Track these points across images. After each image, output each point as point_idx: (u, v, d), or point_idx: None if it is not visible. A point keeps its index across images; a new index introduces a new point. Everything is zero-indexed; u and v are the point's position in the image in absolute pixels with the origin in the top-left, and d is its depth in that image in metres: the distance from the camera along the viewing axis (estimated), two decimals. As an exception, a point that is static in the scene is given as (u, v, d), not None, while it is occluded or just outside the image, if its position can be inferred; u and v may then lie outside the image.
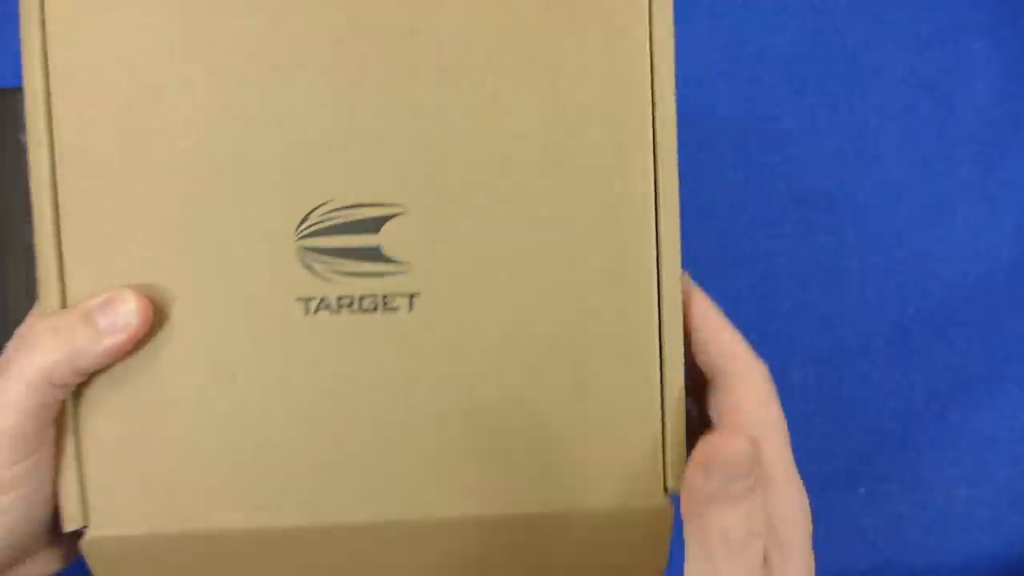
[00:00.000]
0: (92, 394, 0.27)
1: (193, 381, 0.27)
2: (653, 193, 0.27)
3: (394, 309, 0.27)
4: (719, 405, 0.27)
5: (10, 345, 0.27)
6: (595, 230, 0.27)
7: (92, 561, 0.27)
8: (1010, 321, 0.46)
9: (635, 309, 0.27)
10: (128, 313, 0.26)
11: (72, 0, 0.26)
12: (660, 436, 0.28)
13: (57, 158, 0.26)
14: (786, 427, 0.27)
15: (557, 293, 0.27)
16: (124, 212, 0.26)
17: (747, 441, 0.24)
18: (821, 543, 0.46)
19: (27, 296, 0.44)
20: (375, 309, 0.27)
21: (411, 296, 0.27)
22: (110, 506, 0.27)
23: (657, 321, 0.27)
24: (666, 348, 0.27)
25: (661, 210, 0.27)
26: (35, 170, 0.26)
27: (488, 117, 0.27)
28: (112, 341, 0.26)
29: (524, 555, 0.28)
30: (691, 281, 0.28)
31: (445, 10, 0.27)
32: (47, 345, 0.25)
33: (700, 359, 0.28)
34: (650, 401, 0.27)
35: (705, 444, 0.24)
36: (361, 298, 0.27)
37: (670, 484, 0.28)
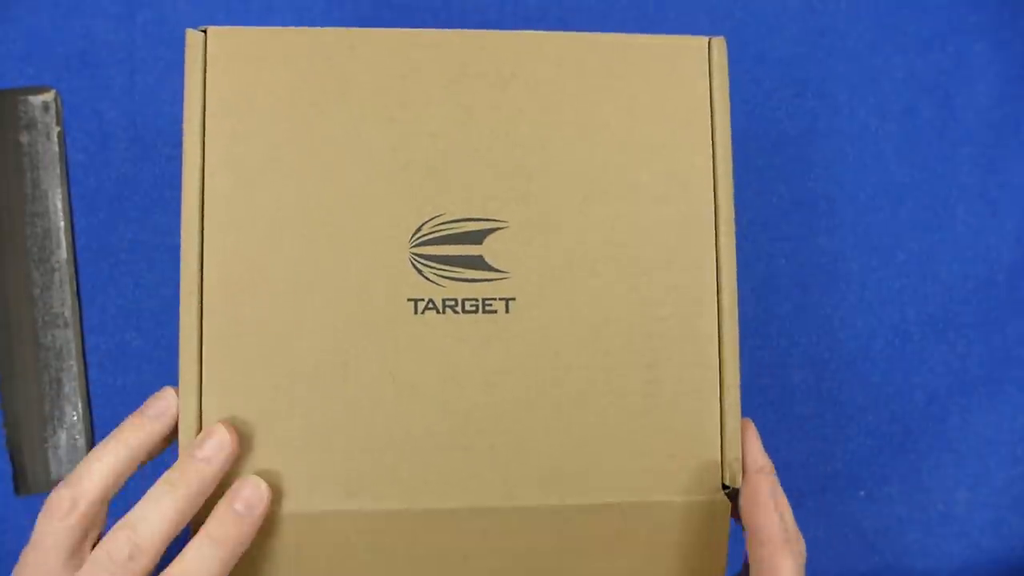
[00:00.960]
0: (214, 392, 0.29)
1: (309, 373, 0.30)
2: (713, 215, 0.31)
3: (492, 311, 0.30)
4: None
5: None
6: (663, 247, 0.31)
7: None
8: (1010, 323, 0.46)
9: (698, 317, 0.31)
10: (217, 444, 0.29)
11: (231, 46, 0.30)
12: (719, 434, 0.31)
13: (207, 168, 0.30)
14: None
15: (631, 302, 0.31)
16: (265, 217, 0.30)
17: None
18: (821, 546, 0.46)
19: (27, 296, 0.44)
20: (476, 310, 0.30)
21: (507, 300, 0.30)
22: None
23: (717, 329, 0.31)
24: (724, 352, 0.31)
25: (720, 229, 0.31)
26: (186, 182, 0.30)
27: (575, 148, 0.31)
28: (215, 466, 0.28)
29: (590, 544, 0.31)
30: (764, 455, 0.30)
31: (540, 59, 0.31)
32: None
33: (748, 525, 0.29)
34: (710, 401, 0.31)
35: None
36: (464, 300, 0.30)
37: (727, 480, 0.30)
